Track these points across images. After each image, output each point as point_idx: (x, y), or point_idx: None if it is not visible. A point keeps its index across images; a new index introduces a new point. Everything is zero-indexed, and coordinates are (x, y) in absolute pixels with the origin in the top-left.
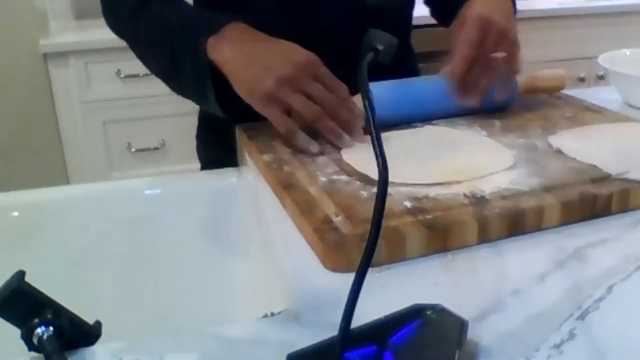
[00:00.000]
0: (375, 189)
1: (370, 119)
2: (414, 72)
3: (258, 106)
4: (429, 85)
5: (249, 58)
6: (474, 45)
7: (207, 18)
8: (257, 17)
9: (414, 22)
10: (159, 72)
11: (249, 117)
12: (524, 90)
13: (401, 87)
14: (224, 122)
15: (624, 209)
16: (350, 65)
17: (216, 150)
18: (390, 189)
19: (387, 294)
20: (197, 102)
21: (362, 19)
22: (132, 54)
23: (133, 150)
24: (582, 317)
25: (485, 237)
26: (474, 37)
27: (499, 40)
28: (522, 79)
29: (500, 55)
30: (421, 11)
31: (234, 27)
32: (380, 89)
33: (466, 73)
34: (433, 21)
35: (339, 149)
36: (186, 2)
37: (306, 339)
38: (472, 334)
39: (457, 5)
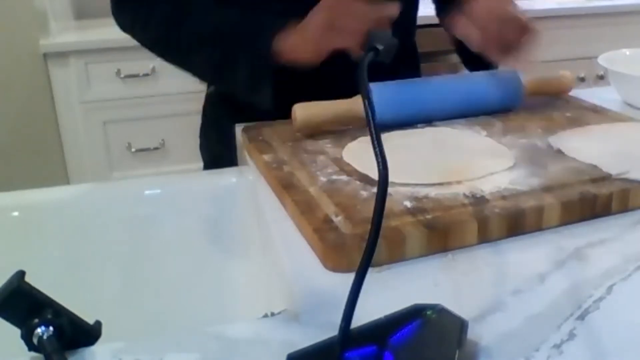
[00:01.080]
0: (375, 189)
1: (370, 119)
2: (416, 73)
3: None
4: (430, 87)
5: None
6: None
7: (270, 19)
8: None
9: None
10: (202, 72)
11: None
12: (530, 92)
13: (403, 88)
14: (228, 121)
15: (624, 209)
16: (353, 65)
17: (220, 148)
18: (390, 189)
19: (387, 294)
20: (244, 96)
21: None
22: (132, 55)
23: (133, 150)
24: (582, 317)
25: (485, 237)
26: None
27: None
28: (528, 81)
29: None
30: (422, 11)
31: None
32: (381, 91)
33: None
34: (434, 21)
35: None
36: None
37: (306, 339)
38: (472, 334)
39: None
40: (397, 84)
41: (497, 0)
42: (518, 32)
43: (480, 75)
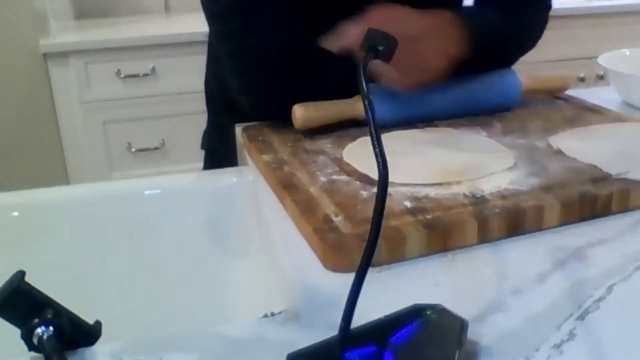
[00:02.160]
0: (375, 189)
1: (370, 118)
2: None
3: None
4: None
5: None
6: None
7: None
8: None
9: None
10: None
11: None
12: (527, 90)
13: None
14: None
15: (624, 209)
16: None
17: (217, 142)
18: (390, 189)
19: (387, 294)
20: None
21: None
22: (132, 54)
23: (133, 150)
24: (582, 317)
25: (485, 237)
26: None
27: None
28: (525, 80)
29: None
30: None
31: None
32: (381, 90)
33: None
34: None
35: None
36: None
37: (306, 339)
38: (472, 334)
39: None
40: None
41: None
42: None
43: (477, 74)
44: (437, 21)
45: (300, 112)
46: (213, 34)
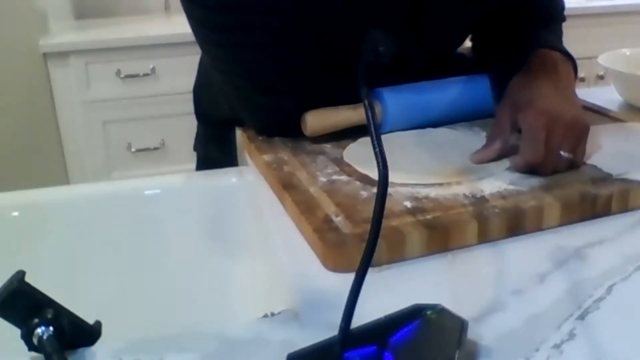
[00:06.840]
0: (375, 189)
1: (370, 118)
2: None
3: None
4: (444, 93)
5: None
6: (539, 152)
7: None
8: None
9: None
10: None
11: None
12: None
13: (417, 97)
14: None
15: (624, 209)
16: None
17: (213, 151)
18: (390, 189)
19: (387, 294)
20: None
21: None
22: (132, 54)
23: (133, 150)
24: (582, 317)
25: (485, 237)
26: (538, 141)
27: (565, 136)
28: None
29: (566, 155)
30: None
31: None
32: (395, 100)
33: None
34: None
35: None
36: None
37: (306, 339)
38: (472, 334)
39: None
40: (412, 91)
41: (558, 103)
42: (574, 139)
43: (482, 78)
44: (562, 83)
45: (311, 121)
46: (215, 70)
